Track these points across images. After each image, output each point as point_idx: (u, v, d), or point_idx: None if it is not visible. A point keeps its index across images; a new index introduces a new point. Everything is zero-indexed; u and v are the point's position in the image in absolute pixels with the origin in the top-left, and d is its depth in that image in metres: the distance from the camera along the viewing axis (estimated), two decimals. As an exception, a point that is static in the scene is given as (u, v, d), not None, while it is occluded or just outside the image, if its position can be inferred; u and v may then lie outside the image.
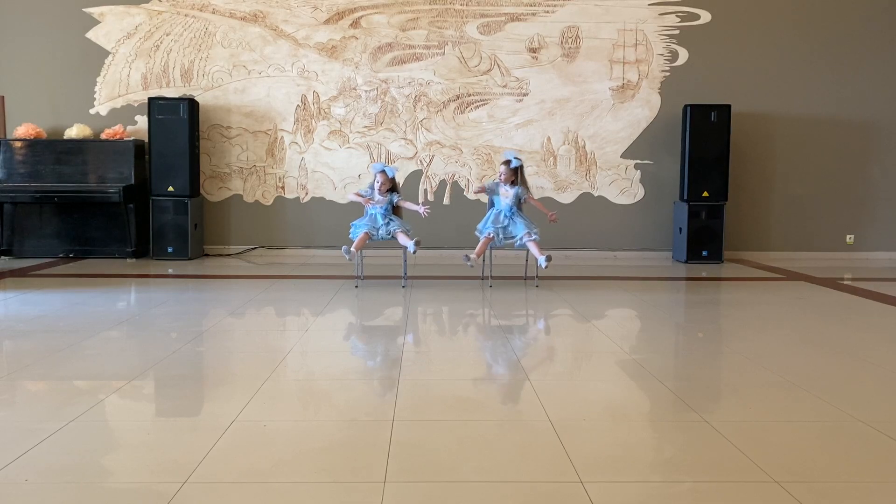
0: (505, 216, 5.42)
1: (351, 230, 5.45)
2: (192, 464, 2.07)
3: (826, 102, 7.51)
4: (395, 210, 5.49)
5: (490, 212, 5.53)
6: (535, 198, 5.70)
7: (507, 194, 5.46)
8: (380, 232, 5.35)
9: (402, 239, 5.33)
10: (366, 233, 5.33)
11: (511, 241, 5.41)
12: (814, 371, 3.17)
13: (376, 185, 5.41)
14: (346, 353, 3.66)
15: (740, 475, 2.04)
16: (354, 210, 6.00)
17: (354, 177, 7.41)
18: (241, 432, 2.34)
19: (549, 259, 5.19)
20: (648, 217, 7.53)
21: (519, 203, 5.46)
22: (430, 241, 7.29)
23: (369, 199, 5.40)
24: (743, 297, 5.31)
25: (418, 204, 5.52)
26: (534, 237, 5.32)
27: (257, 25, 7.39)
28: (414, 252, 5.28)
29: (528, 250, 5.45)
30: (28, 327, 3.94)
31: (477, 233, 5.55)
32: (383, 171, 5.45)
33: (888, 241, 7.63)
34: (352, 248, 5.28)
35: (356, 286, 5.38)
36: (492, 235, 5.39)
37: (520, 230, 5.33)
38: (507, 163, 5.47)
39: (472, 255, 5.33)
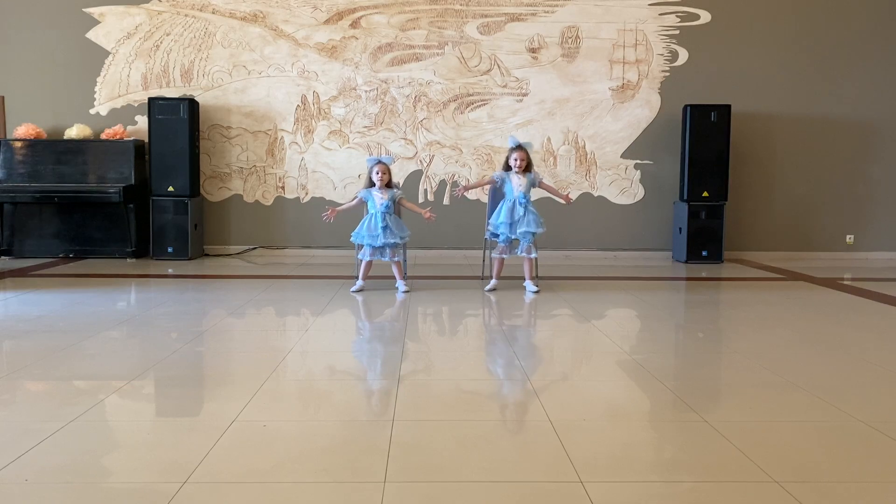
0: (520, 204, 5.15)
1: (352, 236, 5.28)
2: (192, 464, 2.07)
3: (826, 103, 7.51)
4: (396, 209, 5.40)
5: (502, 203, 5.25)
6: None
7: (520, 182, 5.19)
8: (378, 239, 5.13)
9: (396, 272, 5.26)
10: (369, 262, 5.21)
11: (515, 243, 5.23)
12: (814, 371, 3.17)
13: (375, 178, 5.23)
14: (346, 353, 3.66)
15: (740, 475, 2.04)
16: (354, 211, 5.96)
17: (354, 177, 7.41)
18: (241, 432, 2.34)
19: (537, 292, 5.15)
20: (648, 217, 7.53)
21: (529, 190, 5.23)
22: (430, 241, 7.30)
23: (337, 210, 5.36)
24: (743, 297, 5.30)
25: (424, 209, 5.33)
26: (533, 254, 5.23)
27: (257, 25, 7.39)
28: (401, 293, 5.13)
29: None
30: (28, 327, 3.94)
31: (490, 227, 5.32)
32: (381, 162, 5.28)
33: (888, 241, 7.63)
34: (360, 280, 5.22)
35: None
36: (505, 256, 5.27)
37: (527, 239, 5.17)
38: (520, 147, 5.23)
39: (494, 281, 5.25)
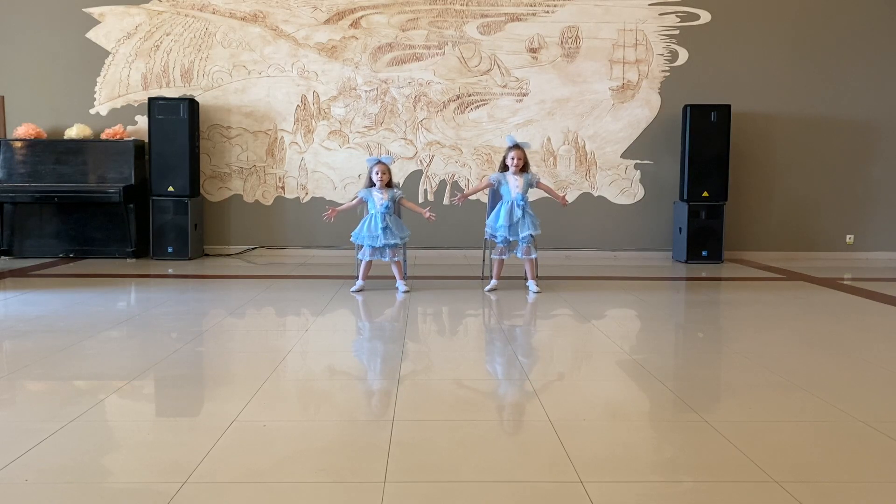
0: (518, 206, 5.14)
1: (352, 236, 5.29)
2: (192, 464, 2.07)
3: (826, 102, 7.51)
4: (396, 209, 5.37)
5: (500, 204, 5.25)
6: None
7: (517, 183, 5.19)
8: (378, 240, 5.13)
9: (396, 272, 5.26)
10: (369, 262, 5.21)
11: (514, 244, 5.22)
12: (814, 371, 3.17)
13: (375, 178, 5.21)
14: (346, 353, 3.66)
15: (740, 475, 2.04)
16: (354, 210, 5.95)
17: (354, 177, 7.41)
18: (241, 432, 2.34)
19: (538, 291, 5.15)
20: (648, 217, 7.53)
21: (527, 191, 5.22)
22: (429, 241, 7.31)
23: (337, 210, 5.35)
24: (743, 297, 5.30)
25: (424, 209, 5.31)
26: (533, 255, 5.24)
27: (257, 25, 7.39)
28: (401, 293, 5.14)
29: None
30: (28, 327, 3.94)
31: (488, 229, 5.32)
32: (381, 162, 5.25)
33: (888, 241, 7.63)
34: (360, 280, 5.23)
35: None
36: (505, 257, 5.28)
37: (525, 241, 5.18)
38: (517, 146, 5.22)
39: (494, 281, 5.26)
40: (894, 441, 2.31)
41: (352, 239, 5.31)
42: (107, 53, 7.37)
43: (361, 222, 5.27)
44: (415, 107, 7.44)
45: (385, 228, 5.14)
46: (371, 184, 5.29)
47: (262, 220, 7.52)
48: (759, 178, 7.54)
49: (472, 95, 7.44)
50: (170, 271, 6.37)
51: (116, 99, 7.42)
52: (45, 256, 7.08)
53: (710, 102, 7.15)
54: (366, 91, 7.43)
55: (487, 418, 2.58)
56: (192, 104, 7.03)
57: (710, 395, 2.91)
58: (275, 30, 7.39)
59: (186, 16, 7.38)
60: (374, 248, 5.20)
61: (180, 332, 3.87)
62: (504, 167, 5.30)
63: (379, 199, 5.21)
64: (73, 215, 7.11)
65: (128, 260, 7.00)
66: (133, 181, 7.00)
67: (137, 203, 7.05)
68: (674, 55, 7.44)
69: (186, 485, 1.94)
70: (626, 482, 1.99)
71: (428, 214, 5.24)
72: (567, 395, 2.86)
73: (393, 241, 5.18)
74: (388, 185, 5.28)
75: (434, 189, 7.49)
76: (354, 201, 5.42)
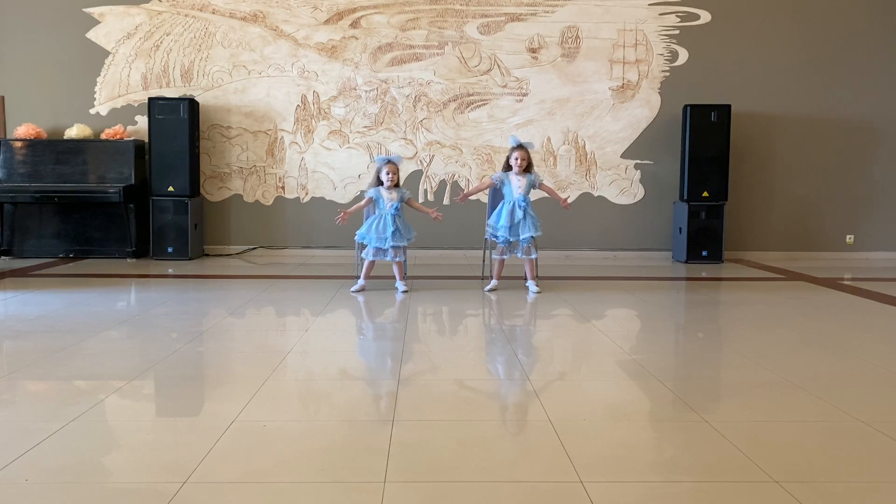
0: (519, 207, 5.12)
1: (357, 236, 5.28)
2: (192, 464, 2.07)
3: (826, 103, 7.51)
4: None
5: (501, 204, 5.24)
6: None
7: (520, 183, 5.17)
8: (387, 242, 5.10)
9: (396, 272, 5.24)
10: (372, 262, 5.20)
11: (515, 244, 5.21)
12: (814, 371, 3.17)
13: (385, 178, 5.17)
14: (346, 353, 3.66)
15: (740, 475, 2.04)
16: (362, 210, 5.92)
17: (354, 177, 7.41)
18: (241, 432, 2.34)
19: (539, 292, 5.14)
20: (648, 217, 7.53)
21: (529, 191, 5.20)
22: (430, 241, 7.30)
23: (348, 212, 5.30)
24: (743, 297, 5.30)
25: (431, 209, 5.30)
26: (533, 255, 5.23)
27: (257, 25, 7.39)
28: (400, 294, 5.13)
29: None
30: (28, 327, 3.94)
31: (489, 229, 5.30)
32: (391, 162, 5.22)
33: (888, 241, 7.63)
34: (361, 280, 5.21)
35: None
36: (506, 257, 5.27)
37: (525, 241, 5.16)
38: (521, 147, 5.19)
39: (494, 281, 5.26)
40: (894, 441, 2.31)
41: (357, 238, 5.29)
42: (107, 53, 7.37)
43: (367, 222, 5.25)
44: (415, 107, 7.44)
45: (395, 231, 5.12)
46: (378, 183, 5.26)
47: (262, 220, 7.52)
48: (759, 178, 7.54)
49: (472, 95, 7.44)
50: (170, 271, 6.37)
51: (116, 99, 7.42)
52: (45, 256, 7.08)
53: (710, 102, 7.15)
54: (366, 91, 7.43)
55: (488, 418, 2.58)
56: (192, 104, 7.03)
57: (710, 395, 2.91)
58: (275, 30, 7.39)
59: (186, 16, 7.38)
60: (378, 248, 5.18)
61: (180, 332, 3.87)
62: (507, 167, 5.28)
63: (388, 199, 5.17)
64: (73, 215, 7.11)
65: (128, 260, 7.00)
66: (133, 181, 7.00)
67: (137, 203, 7.06)
68: (674, 55, 7.44)
69: (186, 485, 1.94)
70: (626, 482, 1.99)
71: (435, 214, 5.23)
72: (567, 395, 2.86)
73: (401, 243, 5.17)
74: (395, 184, 5.26)
75: (434, 189, 7.49)
76: (363, 201, 5.37)
